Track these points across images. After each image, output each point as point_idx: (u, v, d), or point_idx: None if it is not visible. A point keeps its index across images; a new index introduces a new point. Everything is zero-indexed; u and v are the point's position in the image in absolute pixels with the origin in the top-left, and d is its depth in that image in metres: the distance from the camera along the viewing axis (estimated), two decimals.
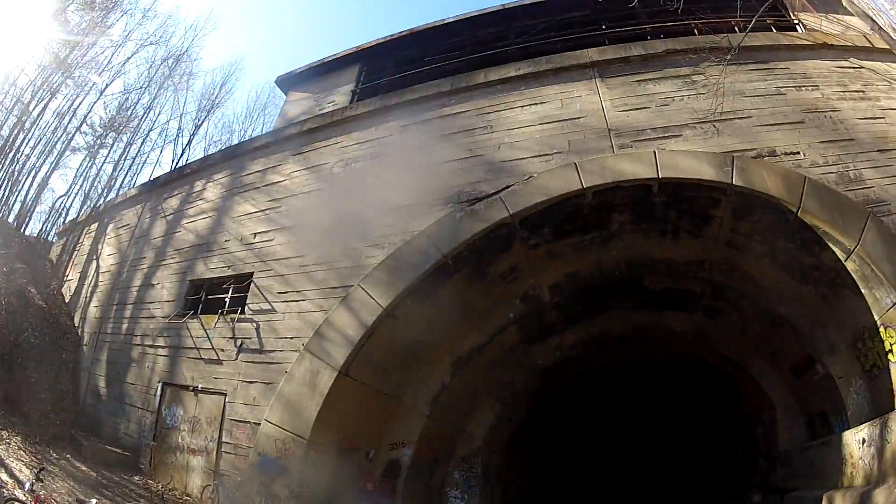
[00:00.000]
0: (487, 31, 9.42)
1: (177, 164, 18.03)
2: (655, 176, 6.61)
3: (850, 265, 6.00)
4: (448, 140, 7.50)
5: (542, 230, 6.96)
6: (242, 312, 7.96)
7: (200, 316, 8.55)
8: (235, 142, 20.90)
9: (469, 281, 7.17)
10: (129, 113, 15.81)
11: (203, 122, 20.47)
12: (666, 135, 6.95)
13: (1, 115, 14.98)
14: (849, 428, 6.15)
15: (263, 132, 22.25)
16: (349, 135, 8.24)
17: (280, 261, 7.89)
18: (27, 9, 14.16)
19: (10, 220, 16.77)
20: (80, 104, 15.01)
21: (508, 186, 6.77)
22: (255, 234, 8.29)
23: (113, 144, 15.77)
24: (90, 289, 12.21)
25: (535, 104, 7.36)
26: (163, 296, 9.52)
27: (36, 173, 16.65)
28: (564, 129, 7.05)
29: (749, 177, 6.57)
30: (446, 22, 9.70)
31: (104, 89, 15.28)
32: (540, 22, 8.87)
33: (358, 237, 7.28)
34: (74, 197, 15.39)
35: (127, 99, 16.31)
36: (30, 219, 17.48)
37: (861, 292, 5.98)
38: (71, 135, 15.05)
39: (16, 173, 16.84)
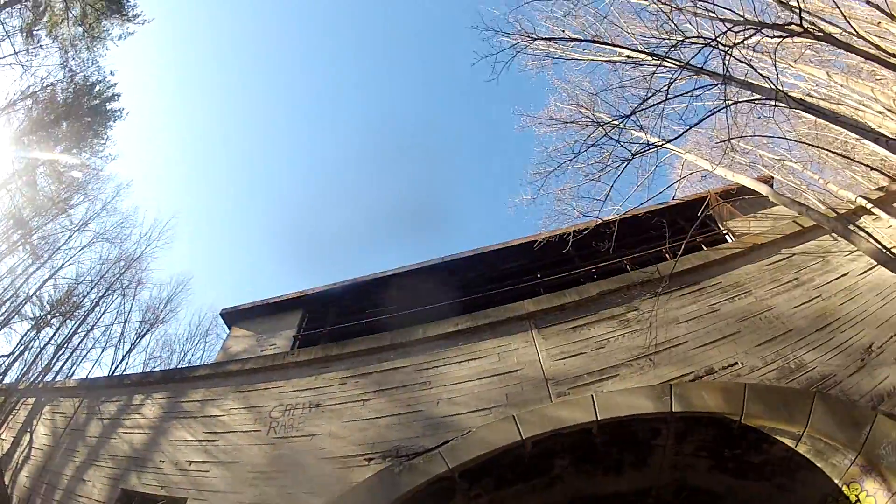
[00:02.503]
0: (427, 283, 9.74)
1: (115, 368, 18.03)
2: (594, 419, 6.61)
3: (801, 448, 5.98)
4: (387, 394, 7.52)
5: (482, 481, 6.82)
6: None
7: None
8: (175, 361, 21.57)
9: None
10: (76, 301, 15.64)
11: (145, 334, 20.48)
12: (602, 377, 7.08)
13: None
14: None
15: (203, 358, 22.50)
16: (289, 381, 8.21)
17: (216, 493, 7.50)
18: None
19: None
20: (33, 272, 14.83)
21: (447, 441, 6.71)
22: (190, 462, 7.95)
23: (58, 328, 15.51)
24: (22, 457, 11.66)
25: (473, 359, 7.50)
26: (93, 494, 8.97)
27: None
28: (502, 382, 7.15)
29: (688, 401, 6.63)
30: (387, 274, 10.08)
31: (58, 269, 15.25)
32: (478, 274, 9.22)
33: (295, 482, 7.03)
34: (15, 360, 14.81)
35: (77, 287, 16.34)
36: None
37: (817, 467, 5.91)
38: (21, 300, 14.73)
39: None
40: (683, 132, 8.09)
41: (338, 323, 9.99)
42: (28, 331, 14.82)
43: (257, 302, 11.32)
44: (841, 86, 10.53)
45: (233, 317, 11.69)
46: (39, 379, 13.39)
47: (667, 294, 7.57)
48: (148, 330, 20.20)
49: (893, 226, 8.21)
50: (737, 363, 6.90)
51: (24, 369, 14.12)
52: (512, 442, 6.58)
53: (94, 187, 17.56)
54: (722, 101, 8.97)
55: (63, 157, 13.99)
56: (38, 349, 14.59)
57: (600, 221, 8.00)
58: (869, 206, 8.68)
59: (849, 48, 7.47)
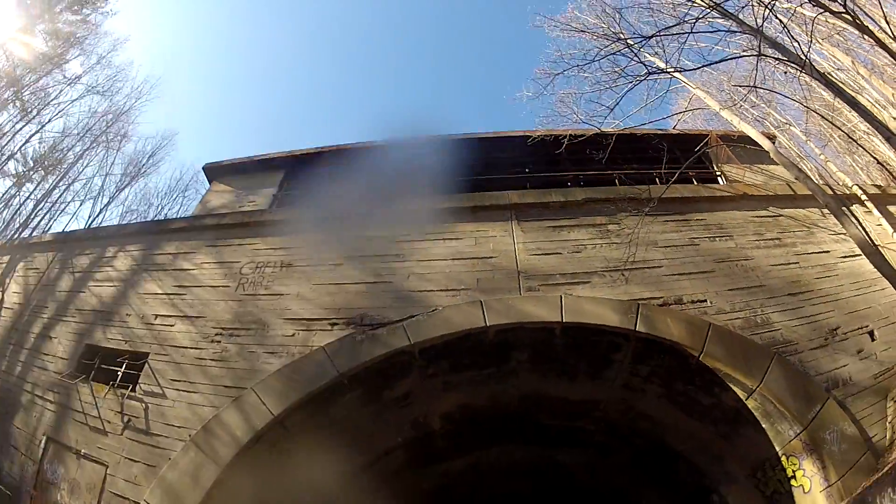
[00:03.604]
0: (414, 159, 9.59)
1: (92, 221, 18.04)
2: (560, 320, 6.71)
3: (750, 403, 6.18)
4: (360, 262, 7.51)
5: (440, 362, 6.95)
6: (133, 390, 7.55)
7: (92, 382, 8.07)
8: (152, 215, 21.53)
9: (363, 401, 7.03)
10: (59, 156, 15.38)
11: (125, 187, 20.55)
12: (574, 281, 7.13)
13: None
14: None
15: (181, 214, 22.36)
16: (264, 238, 8.16)
17: (177, 348, 7.58)
18: None
19: None
20: (20, 129, 14.51)
21: (413, 316, 6.77)
22: (156, 316, 7.98)
23: (39, 183, 15.32)
24: None
25: (450, 239, 7.52)
26: (58, 351, 9.03)
27: None
28: (475, 266, 7.18)
29: (653, 324, 6.71)
30: (374, 144, 9.85)
31: (45, 123, 14.90)
32: (467, 158, 9.09)
33: (256, 341, 7.10)
34: None
35: (62, 141, 16.08)
36: None
37: (762, 428, 6.13)
38: (6, 157, 14.45)
39: None
40: (700, 66, 8.07)
41: (320, 186, 9.85)
42: (9, 188, 14.65)
43: (241, 158, 11.18)
44: (864, 78, 10.44)
45: (215, 172, 11.54)
46: (17, 236, 13.24)
47: (651, 216, 7.59)
48: (128, 183, 20.46)
49: (882, 225, 8.23)
50: (706, 300, 6.95)
51: (2, 228, 13.97)
52: (476, 327, 6.66)
53: (92, 42, 17.05)
54: (743, 51, 8.87)
55: (63, 14, 13.61)
56: (18, 205, 14.44)
57: (598, 131, 7.94)
58: (864, 197, 8.68)
59: (883, 46, 7.34)
